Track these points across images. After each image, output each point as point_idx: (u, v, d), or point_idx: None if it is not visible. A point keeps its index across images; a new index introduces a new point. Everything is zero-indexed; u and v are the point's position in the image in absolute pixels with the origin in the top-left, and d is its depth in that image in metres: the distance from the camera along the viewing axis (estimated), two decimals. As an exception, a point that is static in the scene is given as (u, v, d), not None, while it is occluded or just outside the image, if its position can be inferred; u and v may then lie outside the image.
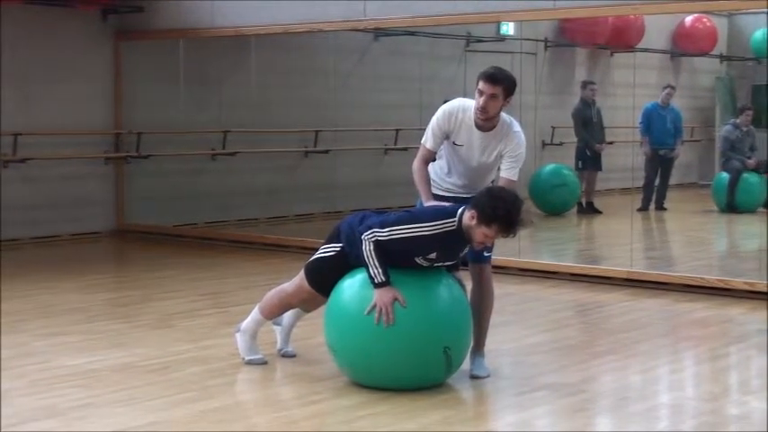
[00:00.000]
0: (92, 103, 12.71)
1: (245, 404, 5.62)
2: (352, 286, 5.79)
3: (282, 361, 6.47)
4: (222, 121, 13.42)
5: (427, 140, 6.08)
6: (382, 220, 5.67)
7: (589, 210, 15.09)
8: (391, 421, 5.31)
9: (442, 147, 6.12)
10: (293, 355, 6.50)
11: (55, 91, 12.22)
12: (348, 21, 11.36)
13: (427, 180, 6.07)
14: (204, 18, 12.23)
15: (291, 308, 6.36)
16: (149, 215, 12.98)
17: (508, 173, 6.04)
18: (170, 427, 5.18)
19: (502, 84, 5.89)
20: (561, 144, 15.71)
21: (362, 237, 5.63)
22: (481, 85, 5.89)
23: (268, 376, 6.16)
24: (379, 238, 5.59)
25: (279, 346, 6.54)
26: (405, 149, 14.87)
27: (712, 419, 5.44)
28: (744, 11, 17.98)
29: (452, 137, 6.02)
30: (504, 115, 6.01)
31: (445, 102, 16.78)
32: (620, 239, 11.66)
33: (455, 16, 10.71)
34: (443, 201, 5.99)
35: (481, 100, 5.87)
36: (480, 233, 5.53)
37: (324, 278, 5.96)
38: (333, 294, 5.88)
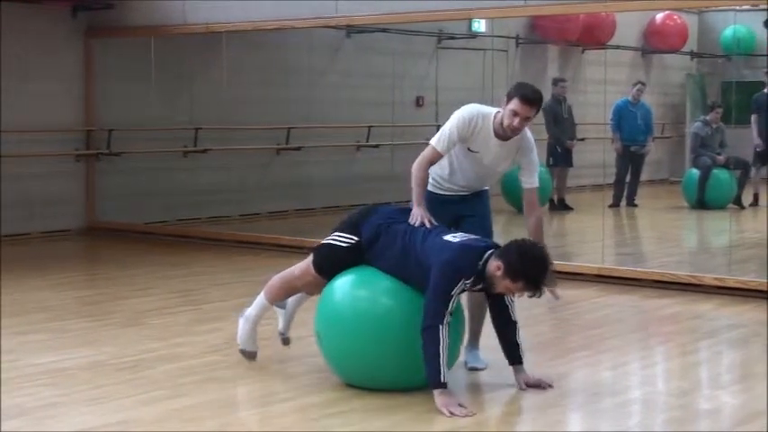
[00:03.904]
0: (62, 100, 12.63)
1: (217, 402, 5.59)
2: (342, 286, 5.75)
3: (258, 359, 6.46)
4: (194, 118, 13.38)
5: (440, 143, 5.94)
6: (436, 286, 5.34)
7: (560, 206, 15.14)
8: (362, 418, 5.30)
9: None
10: (289, 343, 6.42)
11: (25, 88, 12.13)
12: (319, 18, 11.36)
13: (425, 184, 5.95)
14: (175, 15, 12.19)
15: (296, 291, 6.20)
16: (120, 213, 12.92)
17: (531, 183, 6.09)
18: (140, 426, 5.15)
19: (538, 105, 5.88)
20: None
21: (430, 324, 5.30)
22: (518, 106, 5.80)
23: (240, 374, 6.13)
24: (450, 318, 5.36)
25: (280, 329, 6.41)
26: (377, 146, 14.90)
27: (683, 414, 5.47)
28: (714, 8, 18.12)
29: (468, 143, 5.96)
30: None
31: (418, 98, 16.77)
32: (591, 236, 11.71)
33: (426, 13, 10.73)
34: (442, 199, 6.00)
35: (516, 121, 5.81)
36: (504, 286, 5.41)
37: (331, 266, 5.84)
38: (325, 292, 5.83)
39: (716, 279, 8.98)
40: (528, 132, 6.06)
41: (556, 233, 13.97)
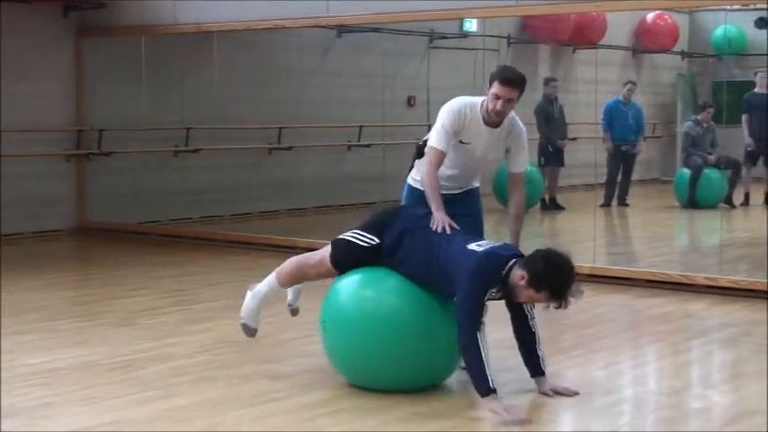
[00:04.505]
0: (53, 100, 12.62)
1: (208, 402, 5.58)
2: (347, 289, 5.74)
3: (247, 357, 6.46)
4: (184, 117, 13.36)
5: (439, 142, 5.90)
6: (465, 296, 5.31)
7: (552, 206, 15.15)
8: (353, 417, 5.31)
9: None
10: (297, 313, 6.41)
11: (15, 88, 12.09)
12: (311, 17, 11.34)
13: (439, 187, 5.90)
14: (166, 14, 12.17)
15: (308, 279, 6.13)
16: (112, 213, 12.91)
17: (519, 167, 6.12)
18: (132, 426, 5.15)
19: (519, 87, 5.87)
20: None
21: (468, 336, 5.26)
22: (498, 89, 5.81)
23: (231, 374, 6.13)
24: (484, 325, 5.34)
25: (289, 300, 6.39)
26: (368, 146, 14.89)
27: (674, 414, 5.48)
28: (704, 8, 18.15)
29: (460, 135, 5.94)
30: None
31: (409, 98, 16.71)
32: (582, 235, 11.71)
33: (418, 13, 10.72)
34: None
35: (499, 104, 5.82)
36: (527, 295, 5.37)
37: (347, 263, 5.79)
38: (330, 290, 5.80)
39: (707, 278, 9.00)
40: (517, 119, 6.07)
41: (547, 232, 13.99)
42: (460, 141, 5.96)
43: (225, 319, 7.70)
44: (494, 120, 5.92)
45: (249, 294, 6.23)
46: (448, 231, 5.62)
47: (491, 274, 5.35)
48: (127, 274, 9.94)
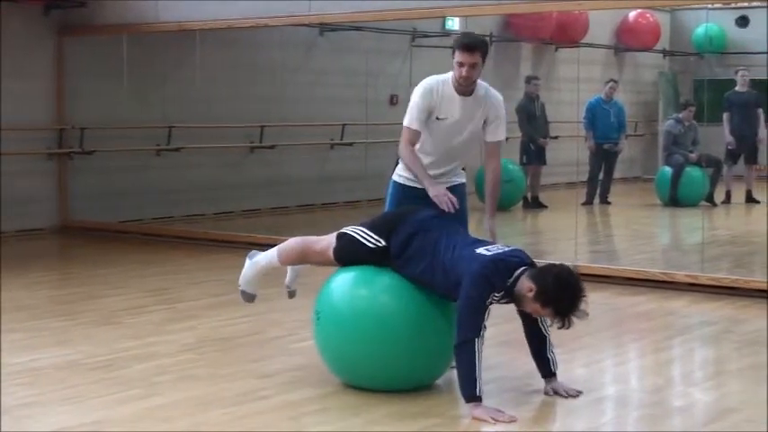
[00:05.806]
0: (34, 98, 12.56)
1: (192, 401, 5.58)
2: (342, 285, 5.73)
3: (230, 356, 6.46)
4: (167, 116, 13.33)
5: (412, 121, 5.94)
6: (466, 299, 5.26)
7: (534, 204, 15.18)
8: (338, 417, 5.32)
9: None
10: (294, 296, 6.39)
11: (-4, 86, 12.08)
12: (293, 16, 11.34)
13: (420, 161, 5.93)
14: (148, 13, 12.15)
15: (308, 263, 6.11)
16: (94, 211, 12.87)
17: (496, 135, 6.14)
18: (115, 426, 5.14)
19: (479, 50, 5.91)
20: (507, 139, 15.75)
21: (466, 339, 5.22)
22: (460, 56, 5.87)
23: (215, 373, 6.13)
24: (485, 330, 5.30)
25: (287, 282, 6.35)
26: (350, 144, 14.90)
27: (656, 411, 5.50)
28: (686, 7, 18.22)
29: (435, 112, 5.97)
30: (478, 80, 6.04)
31: (392, 96, 16.70)
32: (564, 233, 11.74)
33: (400, 11, 10.73)
34: (422, 194, 5.90)
35: (464, 71, 5.87)
36: (533, 308, 5.35)
37: (351, 260, 5.76)
38: (324, 288, 5.79)
39: (688, 276, 9.04)
40: (491, 88, 6.12)
41: (529, 231, 14.02)
42: (437, 118, 5.98)
43: (208, 317, 7.70)
44: (464, 88, 5.96)
45: (248, 263, 6.21)
46: (456, 206, 5.66)
47: (495, 280, 5.29)
48: (109, 272, 9.92)
